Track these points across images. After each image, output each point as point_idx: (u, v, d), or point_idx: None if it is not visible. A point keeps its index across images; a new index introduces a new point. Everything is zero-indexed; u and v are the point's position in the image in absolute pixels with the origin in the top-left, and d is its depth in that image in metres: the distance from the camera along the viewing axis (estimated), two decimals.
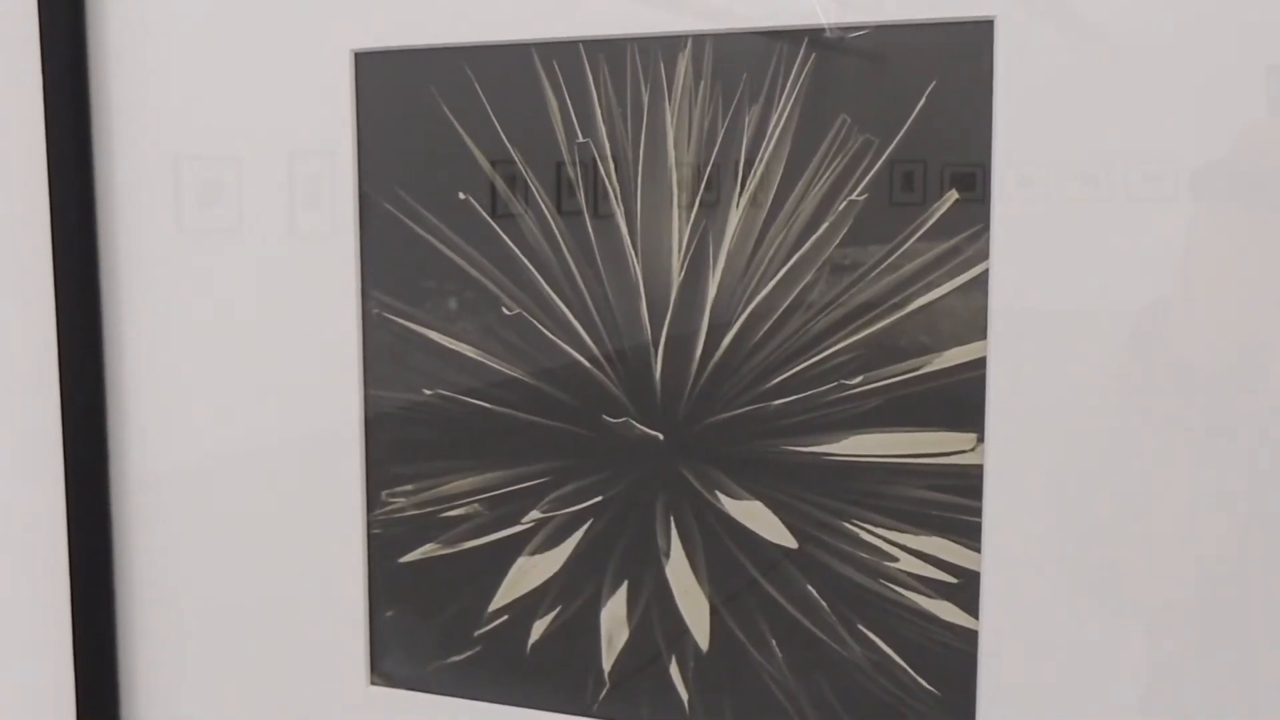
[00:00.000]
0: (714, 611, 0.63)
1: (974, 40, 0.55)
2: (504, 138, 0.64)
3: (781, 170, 0.59)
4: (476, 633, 0.68)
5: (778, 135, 0.59)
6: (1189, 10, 0.52)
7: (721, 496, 0.62)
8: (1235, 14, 0.51)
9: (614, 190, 0.62)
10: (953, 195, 0.57)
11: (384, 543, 0.70)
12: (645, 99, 0.61)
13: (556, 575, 0.66)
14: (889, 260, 0.58)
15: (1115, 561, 0.56)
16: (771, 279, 0.60)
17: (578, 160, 0.63)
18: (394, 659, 0.70)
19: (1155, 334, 0.54)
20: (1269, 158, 0.52)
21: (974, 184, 0.56)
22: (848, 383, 0.59)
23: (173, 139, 0.71)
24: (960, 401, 0.57)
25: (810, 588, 0.61)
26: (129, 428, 0.75)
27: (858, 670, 0.61)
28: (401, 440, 0.68)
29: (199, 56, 0.70)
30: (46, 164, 0.72)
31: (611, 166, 0.62)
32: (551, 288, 0.64)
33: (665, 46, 0.60)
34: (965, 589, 0.58)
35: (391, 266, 0.67)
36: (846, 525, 0.60)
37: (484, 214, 0.65)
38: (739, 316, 0.61)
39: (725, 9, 0.59)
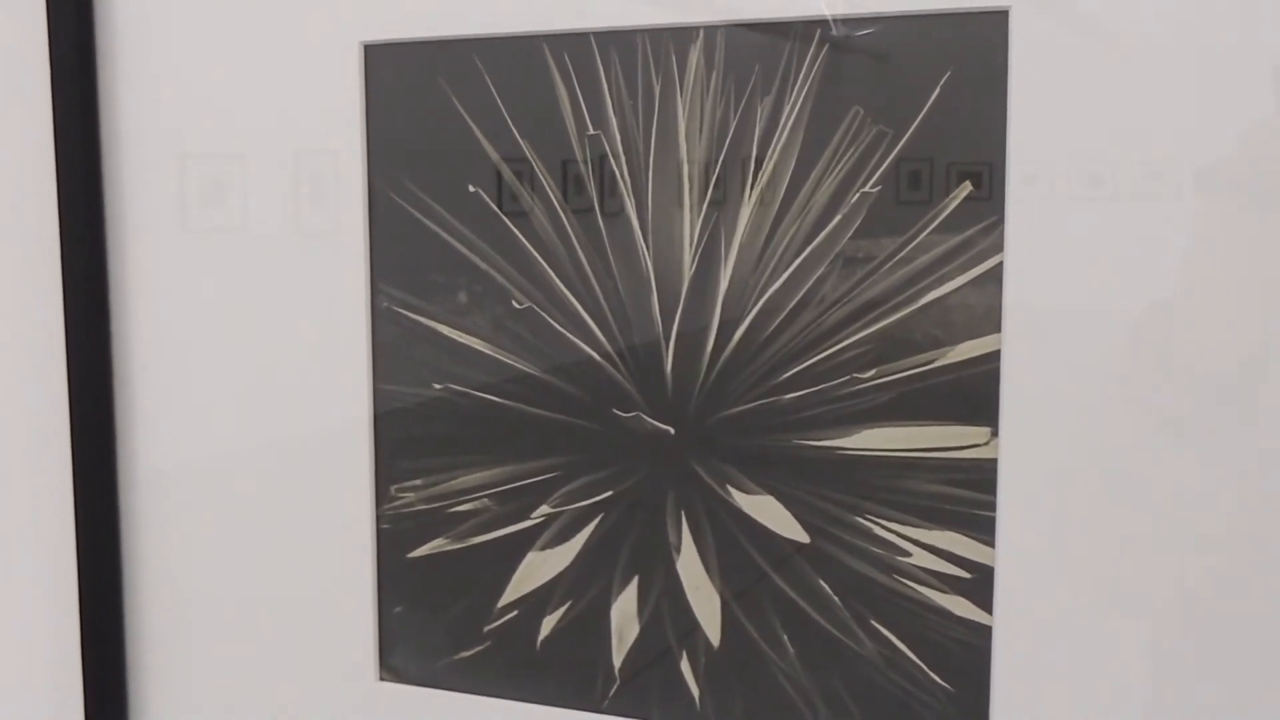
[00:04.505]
0: (725, 607, 0.63)
1: (989, 31, 0.55)
2: (514, 130, 0.64)
3: (794, 162, 0.59)
4: (486, 628, 0.68)
5: (790, 127, 0.59)
6: (1200, 9, 0.52)
7: (733, 491, 0.62)
8: (1245, 13, 0.51)
9: (625, 183, 0.62)
10: (966, 187, 0.56)
11: (393, 538, 0.69)
12: (657, 91, 0.61)
13: (566, 570, 0.66)
14: (902, 253, 0.58)
15: (1129, 556, 0.55)
16: (783, 272, 0.60)
17: (588, 153, 0.63)
18: (403, 654, 0.70)
19: (1168, 329, 0.54)
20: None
21: (988, 176, 0.56)
22: (860, 376, 0.59)
23: (181, 135, 0.71)
24: (974, 395, 0.57)
25: (822, 583, 0.61)
26: (137, 425, 0.74)
27: (870, 666, 0.61)
28: (411, 435, 0.68)
29: (206, 52, 0.70)
30: (54, 163, 0.72)
31: (622, 159, 0.62)
32: (562, 281, 0.64)
33: (677, 38, 0.60)
34: (979, 584, 0.58)
35: (401, 260, 0.67)
36: (859, 520, 0.60)
37: (494, 207, 0.65)
38: (750, 310, 0.60)
39: (737, 1, 0.59)
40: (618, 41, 0.61)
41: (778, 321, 0.60)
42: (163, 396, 0.74)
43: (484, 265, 0.65)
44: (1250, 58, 0.51)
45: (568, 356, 0.64)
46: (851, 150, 0.58)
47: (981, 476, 0.57)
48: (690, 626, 0.64)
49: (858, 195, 0.58)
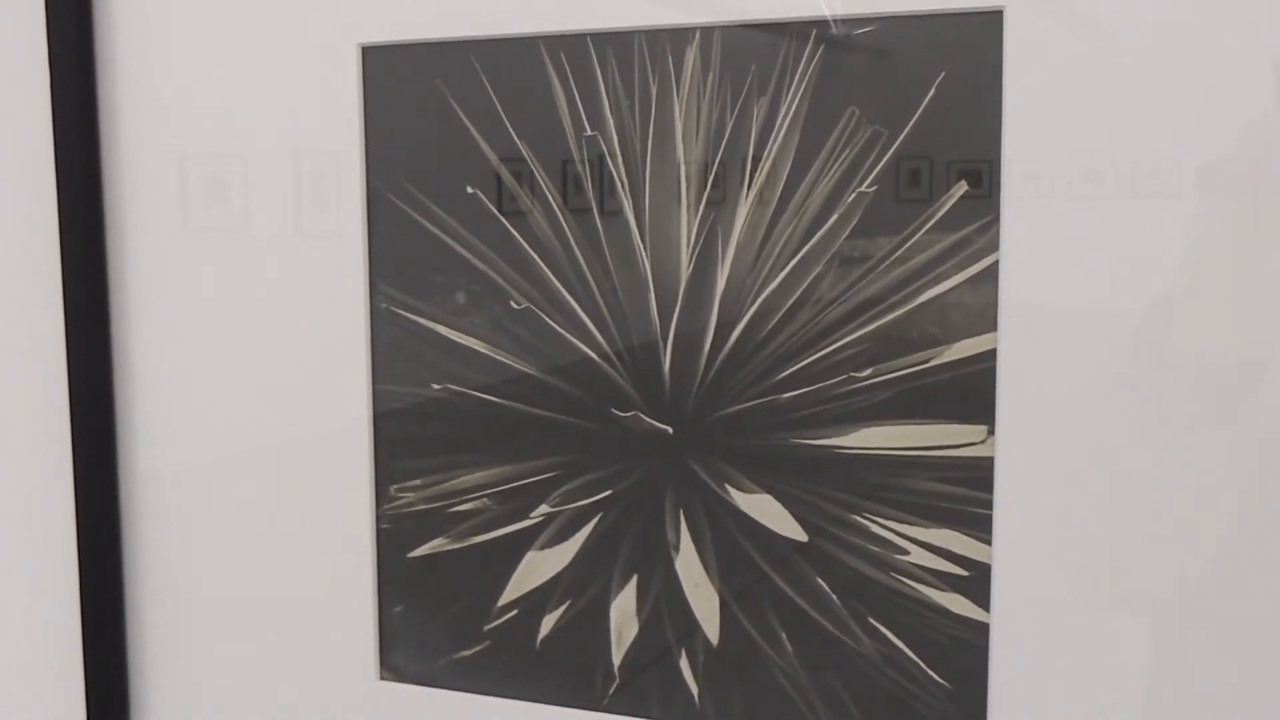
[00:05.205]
0: (724, 605, 0.63)
1: (984, 31, 0.55)
2: (512, 132, 0.64)
3: (790, 163, 0.59)
4: (486, 627, 0.68)
5: (786, 127, 0.59)
6: (1198, 6, 0.52)
7: (731, 490, 0.62)
8: (1244, 11, 0.51)
9: (622, 184, 0.62)
10: (962, 187, 0.56)
11: (393, 537, 0.70)
12: (653, 92, 0.61)
13: (566, 570, 0.66)
14: (898, 252, 0.58)
15: (1126, 553, 0.56)
16: (780, 272, 0.60)
17: (586, 154, 0.63)
18: (403, 653, 0.70)
19: (1165, 328, 0.54)
20: (1277, 153, 0.52)
21: (983, 176, 0.56)
22: (857, 375, 0.59)
23: (181, 137, 0.71)
24: (970, 394, 0.57)
25: (820, 581, 0.61)
26: (137, 425, 0.75)
27: (868, 664, 0.61)
28: (410, 435, 0.68)
29: (206, 54, 0.70)
30: (54, 164, 0.73)
31: (620, 160, 0.62)
32: (560, 282, 0.64)
33: (673, 39, 0.60)
34: (976, 582, 0.58)
35: (399, 261, 0.67)
36: (856, 518, 0.60)
37: (492, 208, 0.65)
38: (748, 310, 0.61)
39: (734, 1, 0.59)
40: (615, 42, 0.61)
41: (775, 321, 0.60)
42: (163, 397, 0.74)
43: (482, 266, 0.66)
44: (1250, 56, 0.51)
45: (566, 356, 0.64)
46: (848, 150, 0.58)
47: (979, 474, 0.58)
48: (689, 625, 0.64)
49: (854, 195, 0.58)
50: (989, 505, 0.57)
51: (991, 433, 0.57)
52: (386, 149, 0.67)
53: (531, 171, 0.64)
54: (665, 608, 0.64)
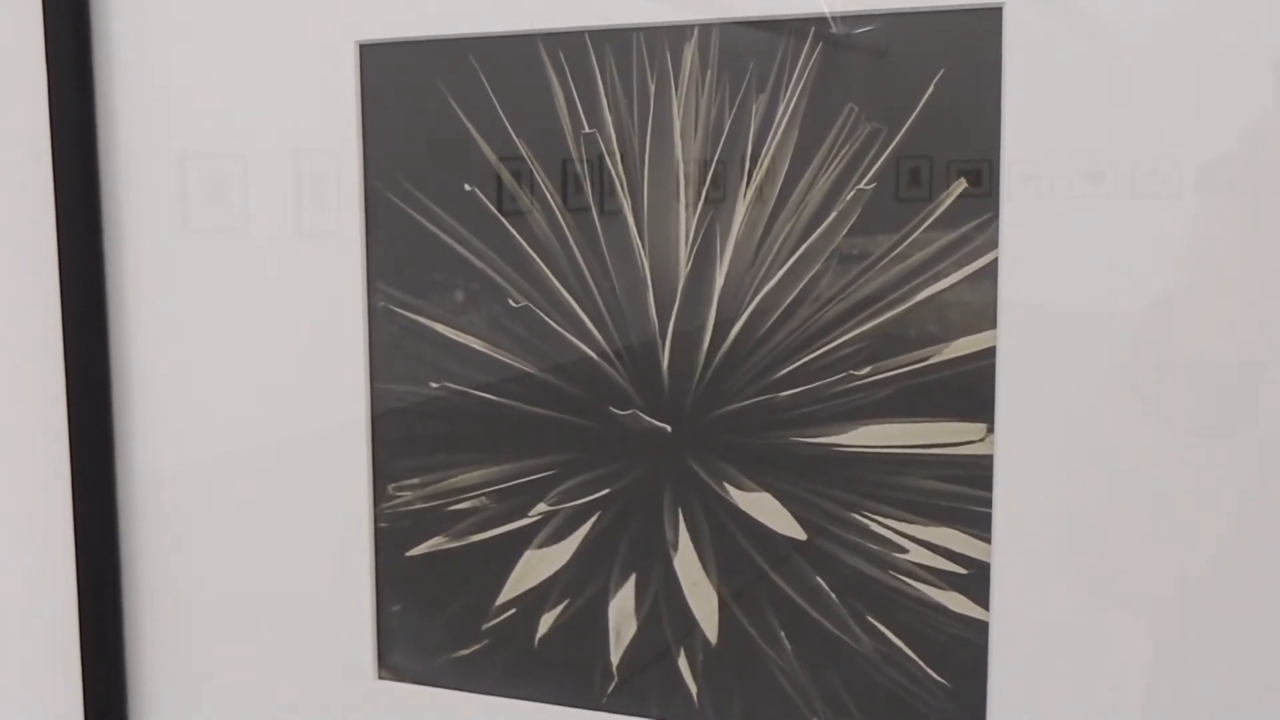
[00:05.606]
0: (723, 604, 0.63)
1: (983, 28, 0.55)
2: (510, 130, 0.64)
3: (789, 160, 0.59)
4: (484, 626, 0.68)
5: (785, 125, 0.59)
6: (1198, 6, 0.52)
7: (730, 488, 0.62)
8: (1244, 11, 0.51)
9: (621, 182, 0.62)
10: (961, 184, 0.56)
11: (391, 536, 0.69)
12: (652, 89, 0.61)
13: (564, 568, 0.66)
14: (897, 250, 0.58)
15: (1125, 552, 0.55)
16: (779, 270, 0.60)
17: (584, 152, 0.63)
18: (402, 652, 0.70)
19: (1164, 326, 0.54)
20: (1277, 153, 0.52)
21: (982, 174, 0.56)
22: (856, 373, 0.59)
23: (181, 137, 0.71)
24: (969, 392, 0.57)
25: (819, 580, 0.61)
26: (135, 424, 0.75)
27: (867, 662, 0.61)
28: (408, 434, 0.68)
29: (203, 53, 0.70)
30: (52, 163, 0.73)
31: (618, 158, 0.62)
32: (558, 280, 0.64)
33: (672, 36, 0.60)
34: (975, 580, 0.58)
35: (398, 260, 0.67)
36: (855, 516, 0.60)
37: (490, 206, 0.65)
38: (746, 308, 0.61)
39: None
40: (613, 40, 0.61)
41: (773, 319, 0.60)
42: (161, 396, 0.74)
43: (480, 264, 0.66)
44: (1250, 56, 0.51)
45: (564, 355, 0.64)
46: (846, 147, 0.58)
47: (978, 473, 0.57)
48: (688, 624, 0.64)
49: (853, 193, 0.58)
50: (988, 503, 0.57)
51: (990, 431, 0.57)
52: (385, 148, 0.67)
53: (530, 170, 0.64)
54: (664, 607, 0.64)
